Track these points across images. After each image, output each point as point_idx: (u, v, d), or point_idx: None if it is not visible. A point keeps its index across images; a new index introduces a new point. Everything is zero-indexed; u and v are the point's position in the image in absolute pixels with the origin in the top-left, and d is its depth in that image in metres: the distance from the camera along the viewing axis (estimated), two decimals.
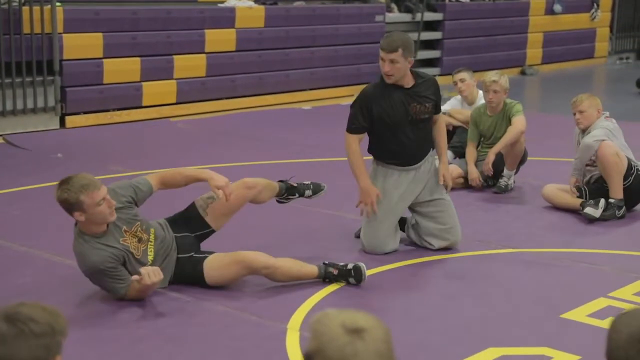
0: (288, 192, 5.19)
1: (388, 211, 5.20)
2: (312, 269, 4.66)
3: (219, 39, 10.31)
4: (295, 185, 5.23)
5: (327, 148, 7.94)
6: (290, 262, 4.62)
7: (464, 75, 7.27)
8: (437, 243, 5.29)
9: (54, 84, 8.94)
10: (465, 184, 6.81)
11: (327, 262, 4.71)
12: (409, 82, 5.11)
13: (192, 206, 4.75)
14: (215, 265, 4.54)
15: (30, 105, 8.82)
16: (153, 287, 4.29)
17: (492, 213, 6.26)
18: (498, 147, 6.59)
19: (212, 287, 4.55)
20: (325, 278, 4.68)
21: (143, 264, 4.36)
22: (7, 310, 1.89)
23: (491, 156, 6.58)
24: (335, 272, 4.67)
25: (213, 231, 4.76)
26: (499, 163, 6.67)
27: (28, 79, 8.77)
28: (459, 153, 7.09)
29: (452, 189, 6.65)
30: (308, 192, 5.27)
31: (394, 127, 5.09)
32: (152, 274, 4.17)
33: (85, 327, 4.04)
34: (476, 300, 4.59)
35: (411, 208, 5.35)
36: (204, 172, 4.64)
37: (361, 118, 5.07)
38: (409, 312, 4.38)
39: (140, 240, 4.42)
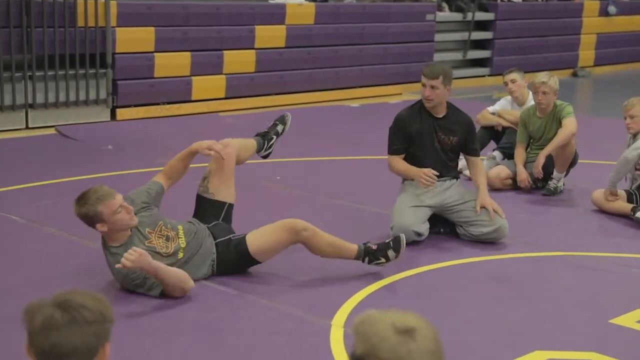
0: (266, 139, 5.35)
1: (418, 204, 5.35)
2: (351, 245, 4.72)
3: (269, 35, 10.34)
4: (267, 130, 5.43)
5: (375, 145, 7.92)
6: (331, 235, 4.69)
7: (515, 75, 7.20)
8: (485, 229, 5.35)
9: (106, 76, 9.05)
10: (513, 186, 6.75)
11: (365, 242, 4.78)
12: (441, 112, 5.44)
13: (198, 197, 4.89)
14: (257, 235, 4.62)
15: (82, 97, 8.95)
16: (165, 274, 4.20)
17: (540, 215, 6.19)
18: (548, 149, 6.51)
19: (257, 262, 4.62)
20: (365, 256, 4.72)
21: (173, 262, 4.42)
22: (58, 297, 1.91)
23: (541, 159, 6.50)
24: (374, 246, 4.74)
25: (231, 205, 4.86)
26: (549, 165, 6.58)
27: (81, 72, 8.90)
28: (508, 154, 7.02)
29: (500, 190, 6.65)
30: (280, 127, 5.47)
31: (422, 149, 5.41)
32: (127, 255, 4.11)
33: (131, 318, 4.09)
34: (523, 303, 4.54)
35: (451, 218, 5.48)
36: (191, 145, 4.83)
37: (398, 141, 5.45)
38: (455, 313, 4.35)
39: (167, 238, 4.49)
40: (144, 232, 4.43)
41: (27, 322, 1.89)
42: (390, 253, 4.72)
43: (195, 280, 4.51)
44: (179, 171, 4.82)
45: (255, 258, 4.63)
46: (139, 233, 4.41)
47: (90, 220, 4.28)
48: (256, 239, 4.60)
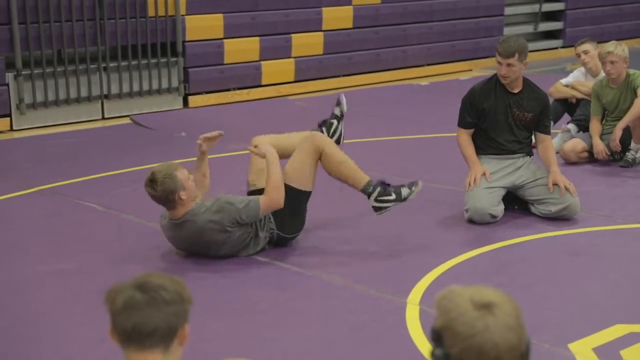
0: (324, 126, 5.28)
1: (492, 185, 5.29)
2: (365, 175, 4.82)
3: (336, 17, 10.33)
4: (325, 119, 5.36)
5: (445, 123, 7.85)
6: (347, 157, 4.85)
7: (587, 46, 7.04)
8: (554, 208, 5.27)
9: (177, 65, 9.19)
10: (589, 158, 6.62)
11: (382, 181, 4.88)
12: (517, 87, 5.37)
13: (248, 194, 4.97)
14: (288, 167, 4.73)
15: (155, 86, 9.11)
16: (275, 168, 4.48)
17: (618, 188, 6.06)
18: (625, 121, 6.36)
19: (306, 193, 4.73)
20: (376, 187, 4.79)
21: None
22: (138, 279, 1.96)
23: (618, 132, 6.34)
24: (389, 184, 4.83)
25: None
26: (626, 136, 6.44)
27: (153, 61, 9.05)
28: (583, 127, 6.88)
29: (576, 163, 6.53)
30: (337, 110, 5.34)
31: (495, 126, 5.37)
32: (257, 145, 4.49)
33: (208, 300, 4.16)
34: (602, 276, 4.46)
35: (522, 196, 5.41)
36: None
37: (469, 114, 5.41)
38: (532, 288, 4.30)
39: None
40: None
41: (109, 304, 1.95)
42: (405, 190, 4.79)
43: (262, 249, 4.68)
44: (200, 181, 4.83)
45: (298, 188, 4.70)
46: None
47: (172, 193, 4.38)
48: (290, 171, 4.72)
